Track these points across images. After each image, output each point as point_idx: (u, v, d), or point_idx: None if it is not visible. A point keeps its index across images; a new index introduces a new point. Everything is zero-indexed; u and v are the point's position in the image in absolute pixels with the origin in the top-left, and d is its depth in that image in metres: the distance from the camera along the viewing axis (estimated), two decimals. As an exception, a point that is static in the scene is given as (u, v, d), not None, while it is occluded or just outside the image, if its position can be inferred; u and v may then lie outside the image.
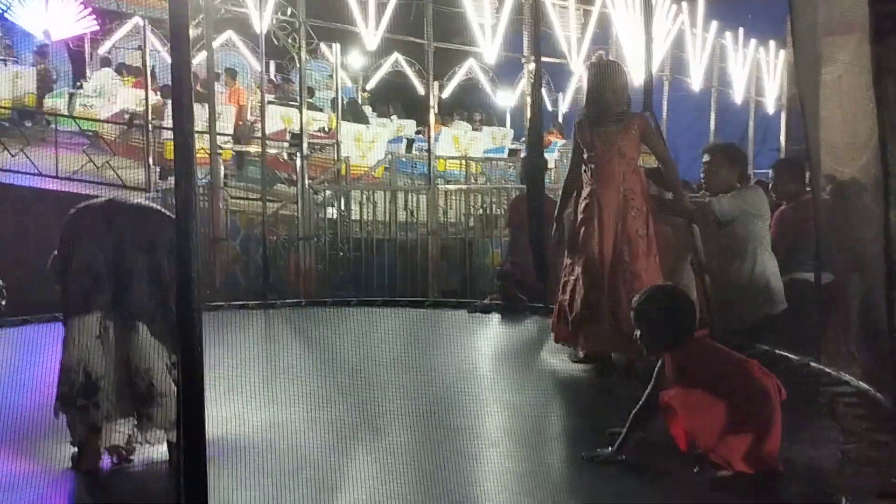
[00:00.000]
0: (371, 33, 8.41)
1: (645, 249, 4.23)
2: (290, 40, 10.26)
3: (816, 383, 4.00)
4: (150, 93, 11.28)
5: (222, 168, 8.14)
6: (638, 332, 3.05)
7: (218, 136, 10.55)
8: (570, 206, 4.55)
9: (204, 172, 9.89)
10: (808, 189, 5.03)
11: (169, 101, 11.12)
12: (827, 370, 4.10)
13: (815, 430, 3.27)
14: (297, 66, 13.73)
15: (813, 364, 4.20)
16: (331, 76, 12.63)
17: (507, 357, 4.96)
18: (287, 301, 6.33)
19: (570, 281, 4.36)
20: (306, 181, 7.98)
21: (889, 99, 2.43)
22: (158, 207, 3.41)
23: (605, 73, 4.39)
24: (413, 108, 15.45)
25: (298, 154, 8.08)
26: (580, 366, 4.44)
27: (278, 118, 11.78)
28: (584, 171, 4.40)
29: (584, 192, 4.37)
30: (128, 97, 11.80)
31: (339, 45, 10.62)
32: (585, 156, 4.40)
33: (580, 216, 4.36)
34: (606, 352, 4.37)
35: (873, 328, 3.46)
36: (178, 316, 1.90)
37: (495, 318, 5.80)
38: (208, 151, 8.49)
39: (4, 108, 11.86)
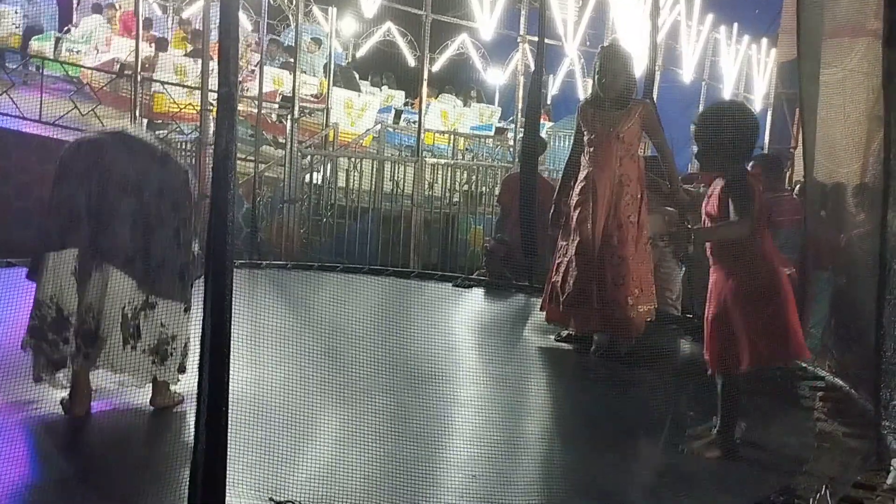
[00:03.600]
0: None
1: (635, 235, 4.30)
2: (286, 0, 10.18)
3: (792, 377, 4.12)
4: (144, 44, 11.14)
5: (212, 125, 8.06)
6: (695, 148, 3.04)
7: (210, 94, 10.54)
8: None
9: (191, 128, 9.85)
10: (786, 187, 5.16)
11: (161, 55, 11.10)
12: (802, 364, 4.22)
13: (793, 422, 3.38)
14: (293, 26, 13.67)
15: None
16: (315, 39, 12.47)
17: (489, 331, 5.04)
18: (273, 263, 6.33)
19: (564, 262, 4.42)
20: (295, 144, 7.93)
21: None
22: (159, 146, 3.38)
23: (614, 57, 4.43)
24: (401, 79, 15.38)
25: (289, 116, 8.03)
26: (563, 344, 4.52)
27: (269, 79, 11.68)
28: (584, 154, 4.44)
29: (581, 175, 4.42)
30: (121, 46, 11.61)
31: (335, 9, 10.52)
32: (586, 138, 4.44)
33: (575, 198, 4.41)
34: (596, 332, 4.45)
35: (849, 325, 3.58)
36: (210, 267, 1.90)
37: (480, 293, 5.87)
38: (197, 108, 8.42)
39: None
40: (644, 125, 4.40)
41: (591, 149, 4.40)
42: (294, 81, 8.23)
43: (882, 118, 2.57)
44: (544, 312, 4.58)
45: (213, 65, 9.71)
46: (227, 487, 1.99)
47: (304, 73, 12.59)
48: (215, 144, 1.97)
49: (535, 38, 12.26)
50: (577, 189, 4.42)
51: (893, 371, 2.52)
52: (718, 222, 2.95)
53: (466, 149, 12.60)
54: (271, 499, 2.35)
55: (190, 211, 3.39)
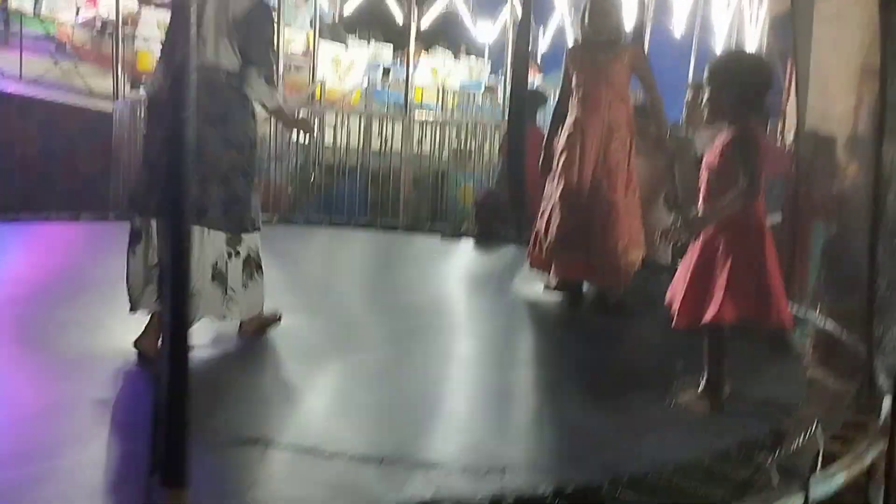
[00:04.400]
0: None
1: (625, 182, 4.25)
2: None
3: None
4: (124, -1, 10.90)
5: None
6: (706, 95, 2.92)
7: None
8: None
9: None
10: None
11: (145, 10, 10.86)
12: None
13: (783, 370, 3.35)
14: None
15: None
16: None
17: (475, 283, 5.01)
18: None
19: (548, 208, 4.37)
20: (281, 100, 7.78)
21: (894, 28, 2.42)
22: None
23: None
24: (390, 34, 15.14)
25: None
26: (552, 294, 4.49)
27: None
28: (572, 97, 4.37)
29: (569, 120, 4.35)
30: (107, 2, 11.36)
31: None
32: (573, 82, 4.36)
33: (563, 142, 4.34)
34: (578, 280, 4.42)
35: (842, 269, 3.54)
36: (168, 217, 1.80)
37: (468, 245, 5.82)
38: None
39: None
40: (634, 69, 4.32)
41: (580, 93, 4.33)
42: (277, 37, 8.05)
43: (876, 45, 2.50)
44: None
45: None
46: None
47: (290, 27, 12.40)
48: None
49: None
50: (564, 134, 4.35)
51: (885, 308, 2.48)
52: (719, 178, 2.85)
53: (457, 105, 12.47)
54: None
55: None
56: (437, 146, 9.88)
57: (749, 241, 2.82)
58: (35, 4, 11.94)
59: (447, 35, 16.48)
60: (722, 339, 2.89)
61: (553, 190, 4.37)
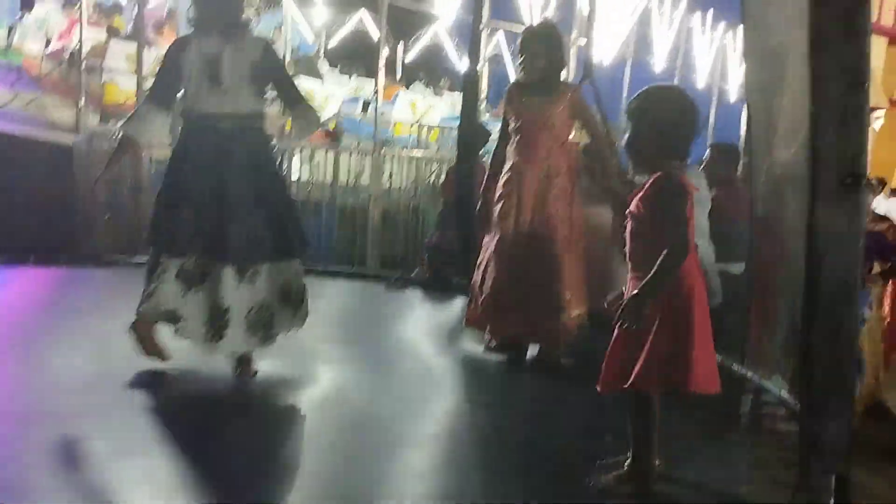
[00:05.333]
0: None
1: (566, 233, 3.94)
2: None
3: (738, 389, 3.78)
4: (95, 29, 10.72)
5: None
6: (627, 135, 2.61)
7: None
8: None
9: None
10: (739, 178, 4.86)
11: (112, 42, 10.65)
12: (749, 375, 3.88)
13: (725, 446, 3.04)
14: (261, 16, 13.24)
15: (735, 367, 3.98)
16: (278, 27, 12.08)
17: (417, 339, 4.63)
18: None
19: (484, 260, 4.08)
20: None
21: (824, 73, 2.13)
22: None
23: (538, 37, 4.04)
24: (373, 68, 14.98)
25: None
26: (492, 354, 4.15)
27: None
28: (510, 143, 4.09)
29: (507, 166, 4.07)
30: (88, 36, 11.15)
31: (289, -6, 10.08)
32: (511, 126, 4.09)
33: (499, 191, 4.06)
34: (516, 340, 4.10)
35: (794, 331, 3.22)
36: None
37: (416, 294, 5.50)
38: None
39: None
40: (574, 111, 4.03)
41: (518, 137, 4.05)
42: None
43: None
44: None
45: (155, 52, 9.39)
46: None
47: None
48: None
49: (501, 24, 11.93)
50: (502, 180, 4.07)
51: (823, 401, 2.13)
52: (639, 230, 2.54)
53: (435, 140, 12.24)
54: None
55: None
56: (411, 181, 9.64)
57: (676, 300, 2.50)
58: (8, 36, 11.77)
59: (431, 69, 16.35)
60: (648, 410, 2.57)
61: (489, 241, 4.07)
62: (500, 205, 4.01)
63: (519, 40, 4.13)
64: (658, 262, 2.40)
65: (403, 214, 9.24)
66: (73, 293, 5.12)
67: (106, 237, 7.38)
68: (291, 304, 3.50)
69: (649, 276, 2.41)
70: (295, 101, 3.54)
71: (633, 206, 2.61)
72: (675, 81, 11.65)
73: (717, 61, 12.24)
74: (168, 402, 3.21)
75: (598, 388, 2.61)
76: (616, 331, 2.58)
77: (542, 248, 3.90)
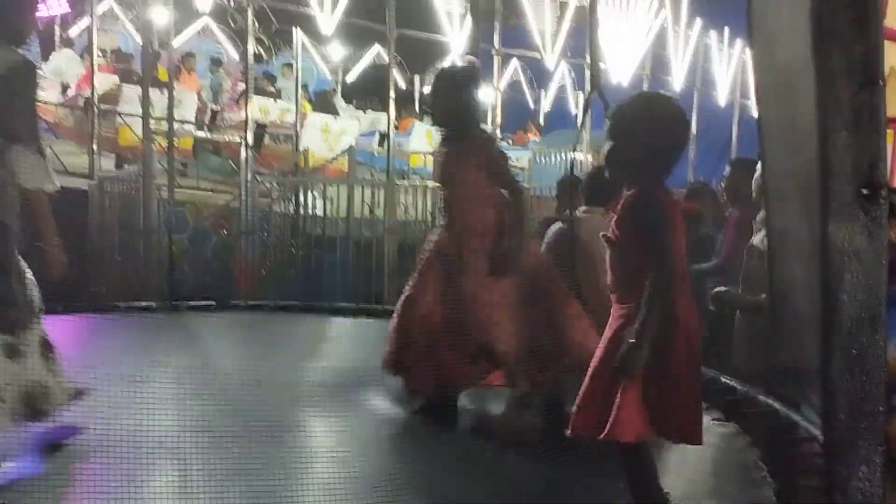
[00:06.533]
0: (327, 17, 7.88)
1: (487, 298, 3.42)
2: (253, 24, 9.79)
3: (763, 423, 3.49)
4: (106, 75, 10.80)
5: (156, 158, 7.60)
6: (607, 146, 2.38)
7: (181, 124, 10.12)
8: None
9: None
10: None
11: (125, 86, 10.70)
12: (776, 406, 3.59)
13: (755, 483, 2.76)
14: (261, 51, 13.30)
15: (761, 398, 3.69)
16: (287, 65, 12.09)
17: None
18: (194, 304, 5.72)
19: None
20: (249, 172, 7.47)
21: (832, 71, 1.90)
22: None
23: (448, 80, 3.56)
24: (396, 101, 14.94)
25: (243, 143, 7.57)
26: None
27: (256, 108, 11.30)
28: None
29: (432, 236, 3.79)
30: (102, 81, 11.25)
31: (298, 30, 10.08)
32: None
33: (428, 240, 3.74)
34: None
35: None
36: None
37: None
38: (164, 141, 7.91)
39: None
40: (486, 163, 3.46)
41: (441, 203, 3.67)
42: (245, 107, 7.79)
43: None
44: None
45: (181, 95, 9.37)
46: None
47: (279, 99, 12.24)
48: None
49: (512, 52, 11.81)
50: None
51: (849, 442, 1.89)
52: (621, 256, 2.30)
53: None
54: None
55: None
56: (428, 212, 9.49)
57: (660, 342, 2.24)
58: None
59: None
60: (639, 456, 2.31)
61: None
62: (423, 255, 3.69)
63: (432, 85, 3.68)
64: (644, 297, 2.16)
65: (420, 246, 9.05)
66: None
67: (118, 281, 7.30)
68: None
69: (640, 318, 2.17)
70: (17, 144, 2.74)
71: (609, 232, 2.39)
72: (695, 99, 11.41)
73: (738, 77, 11.97)
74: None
75: (568, 432, 2.35)
76: (590, 372, 2.34)
77: (452, 320, 3.41)
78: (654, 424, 2.21)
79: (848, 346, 1.94)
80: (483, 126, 3.59)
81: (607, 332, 2.30)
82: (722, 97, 12.03)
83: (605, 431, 2.20)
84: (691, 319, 2.28)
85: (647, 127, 2.30)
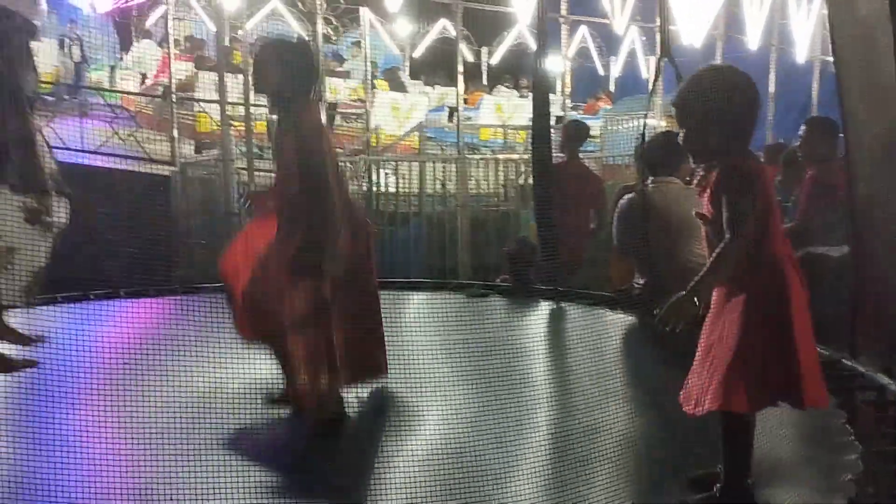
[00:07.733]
0: (393, -8, 7.90)
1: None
2: (321, 4, 9.92)
3: (849, 388, 3.42)
4: (182, 63, 11.09)
5: (233, 142, 7.80)
6: (683, 131, 2.36)
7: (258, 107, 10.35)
8: None
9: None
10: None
11: (200, 73, 10.99)
12: (861, 370, 3.52)
13: (831, 452, 2.73)
14: (329, 31, 13.42)
15: (846, 362, 3.62)
16: (355, 43, 12.17)
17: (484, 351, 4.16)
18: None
19: None
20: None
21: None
22: None
23: (269, 53, 3.35)
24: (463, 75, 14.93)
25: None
26: None
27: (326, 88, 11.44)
28: None
29: None
30: (177, 69, 11.57)
31: (366, 9, 10.14)
32: None
33: None
34: None
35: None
36: None
37: (498, 302, 5.28)
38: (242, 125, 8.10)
39: (47, 82, 11.83)
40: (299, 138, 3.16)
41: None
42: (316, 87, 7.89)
43: None
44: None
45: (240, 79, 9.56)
46: None
47: (350, 78, 12.38)
48: None
49: (580, 18, 11.63)
50: None
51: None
52: (719, 231, 2.29)
53: (522, 141, 12.05)
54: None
55: None
56: (500, 184, 9.49)
57: (767, 304, 2.24)
58: (110, 76, 12.37)
59: (519, 69, 16.11)
60: (745, 428, 2.31)
61: None
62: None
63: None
64: (715, 260, 2.18)
65: (493, 219, 9.09)
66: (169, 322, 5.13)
67: (201, 264, 7.57)
68: None
69: (705, 275, 2.18)
70: None
71: (703, 209, 2.37)
72: (772, 57, 11.05)
73: (817, 33, 11.50)
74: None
75: (688, 410, 2.37)
76: (703, 349, 2.35)
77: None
78: (778, 393, 2.22)
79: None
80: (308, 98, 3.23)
81: (711, 312, 2.31)
82: (801, 54, 11.59)
83: (721, 403, 2.21)
84: (798, 279, 2.28)
85: (711, 109, 2.28)
